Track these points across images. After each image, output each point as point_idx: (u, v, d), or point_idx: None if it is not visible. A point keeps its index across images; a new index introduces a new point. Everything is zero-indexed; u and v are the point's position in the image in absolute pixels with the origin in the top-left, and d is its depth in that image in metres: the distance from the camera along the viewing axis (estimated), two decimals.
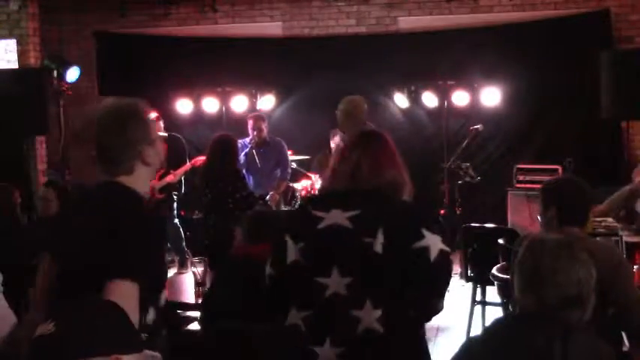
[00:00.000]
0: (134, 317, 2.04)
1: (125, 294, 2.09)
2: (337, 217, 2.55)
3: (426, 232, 2.48)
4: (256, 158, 7.03)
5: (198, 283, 4.36)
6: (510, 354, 2.09)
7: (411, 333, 2.56)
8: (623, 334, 3.18)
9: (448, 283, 2.60)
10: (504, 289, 4.65)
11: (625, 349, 3.20)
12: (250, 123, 7.14)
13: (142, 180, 2.37)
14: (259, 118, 7.20)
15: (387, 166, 2.67)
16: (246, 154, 7.08)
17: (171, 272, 5.66)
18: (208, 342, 3.82)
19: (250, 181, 7.25)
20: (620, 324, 3.11)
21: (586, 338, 2.10)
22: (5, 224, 4.41)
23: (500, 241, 5.09)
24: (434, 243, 2.48)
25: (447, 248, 2.51)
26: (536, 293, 2.12)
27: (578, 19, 8.35)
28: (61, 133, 7.76)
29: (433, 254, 2.47)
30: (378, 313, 2.45)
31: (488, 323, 3.30)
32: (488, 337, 2.24)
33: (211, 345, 3.78)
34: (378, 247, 2.46)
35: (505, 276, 4.61)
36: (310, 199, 3.03)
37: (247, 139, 7.11)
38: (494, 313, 5.19)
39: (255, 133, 7.06)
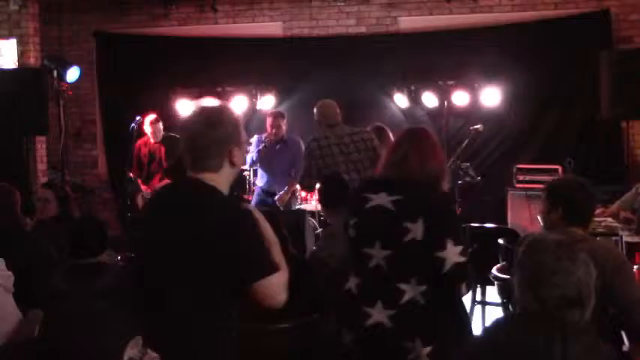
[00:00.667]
0: (282, 298, 2.40)
1: (274, 286, 2.38)
2: (383, 199, 3.02)
3: (448, 243, 2.88)
4: (270, 155, 7.04)
5: None
6: (510, 354, 2.09)
7: (450, 304, 3.02)
8: (623, 334, 3.18)
9: (464, 283, 3.00)
10: (504, 289, 4.66)
11: (625, 349, 3.20)
12: (269, 120, 7.19)
13: (226, 178, 2.47)
14: (278, 115, 7.25)
15: (431, 158, 3.09)
16: (259, 151, 7.10)
17: None
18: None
19: (264, 177, 7.27)
20: (621, 324, 3.12)
21: (586, 338, 2.10)
22: (5, 225, 4.41)
23: (500, 241, 5.09)
24: (450, 256, 2.87)
25: (462, 259, 2.89)
26: (536, 293, 2.12)
27: (578, 19, 8.35)
28: (61, 133, 7.76)
29: (447, 266, 2.88)
30: (422, 288, 2.91)
31: (488, 323, 3.30)
32: (489, 337, 2.24)
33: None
34: (418, 235, 2.90)
35: (505, 276, 4.62)
36: (363, 183, 3.53)
37: (263, 135, 7.15)
38: (495, 313, 5.19)
39: (273, 130, 7.09)
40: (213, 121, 2.44)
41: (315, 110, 5.83)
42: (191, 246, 2.31)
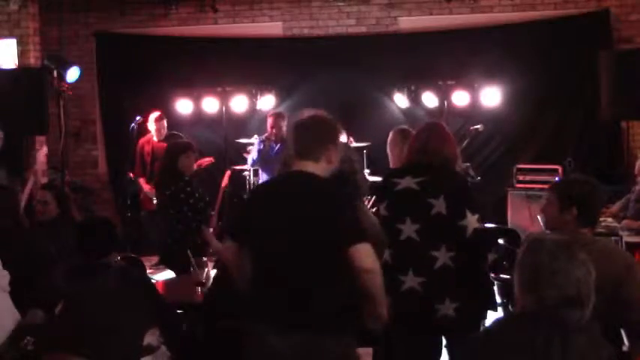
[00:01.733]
0: (372, 261, 2.94)
1: (367, 251, 2.93)
2: (409, 182, 3.63)
3: (467, 212, 3.50)
4: (271, 155, 7.05)
5: (199, 283, 4.36)
6: (510, 353, 2.09)
7: (475, 269, 3.55)
8: (623, 334, 3.18)
9: (486, 248, 3.62)
10: (504, 289, 4.66)
11: (625, 349, 3.20)
12: (270, 121, 7.22)
13: (323, 169, 3.10)
14: (279, 115, 7.27)
15: (447, 144, 3.73)
16: (259, 151, 7.11)
17: (172, 273, 5.65)
18: (208, 342, 3.82)
19: (264, 177, 7.27)
20: (620, 323, 3.12)
21: (586, 338, 2.10)
22: (8, 226, 4.41)
23: (501, 241, 5.09)
24: (471, 223, 3.50)
25: (479, 225, 3.53)
26: (536, 293, 2.12)
27: (577, 19, 8.35)
28: (61, 133, 7.76)
29: (469, 232, 3.49)
30: (451, 254, 3.48)
31: (488, 323, 3.30)
32: (489, 336, 2.24)
33: (211, 345, 3.78)
34: (443, 209, 3.51)
35: (505, 276, 4.62)
36: (391, 171, 4.03)
37: (264, 135, 7.16)
38: (494, 313, 5.19)
39: (274, 130, 7.11)
40: (316, 128, 3.12)
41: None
42: (309, 221, 2.95)
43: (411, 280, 3.55)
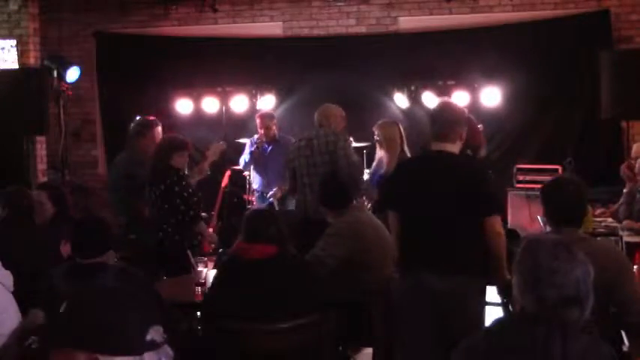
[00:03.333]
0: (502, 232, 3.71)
1: (499, 219, 3.70)
2: None
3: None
4: (263, 156, 7.02)
5: (199, 283, 4.36)
6: (510, 354, 2.09)
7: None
8: (623, 334, 3.18)
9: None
10: (504, 289, 4.65)
11: (625, 349, 3.20)
12: (258, 121, 7.15)
13: (457, 148, 3.83)
14: (266, 116, 7.21)
15: (476, 134, 4.67)
16: (251, 152, 7.08)
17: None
18: (208, 342, 3.82)
19: (258, 179, 7.24)
20: (620, 323, 3.12)
21: (586, 338, 2.10)
22: (22, 226, 4.41)
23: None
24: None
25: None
26: (535, 293, 2.12)
27: (577, 19, 8.35)
28: (61, 133, 7.76)
29: None
30: None
31: (488, 323, 3.31)
32: (489, 336, 2.24)
33: (211, 345, 3.78)
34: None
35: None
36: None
37: (255, 136, 7.13)
38: (494, 313, 5.19)
39: (262, 131, 7.06)
40: (453, 116, 3.84)
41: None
42: (454, 192, 3.65)
43: None
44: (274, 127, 7.10)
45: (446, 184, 3.69)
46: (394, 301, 4.01)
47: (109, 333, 1.56)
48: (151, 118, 7.97)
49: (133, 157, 5.95)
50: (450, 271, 3.63)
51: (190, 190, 5.43)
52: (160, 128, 7.95)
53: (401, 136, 6.19)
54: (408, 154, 6.12)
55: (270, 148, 7.08)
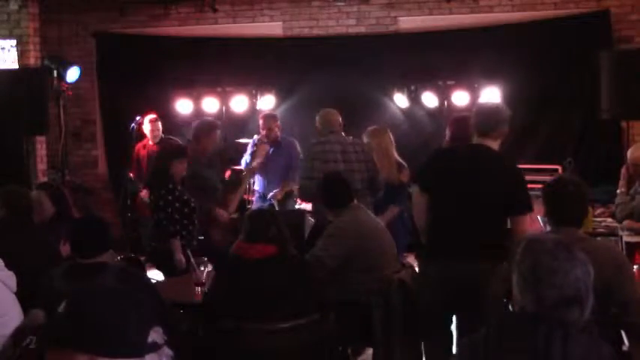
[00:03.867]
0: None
1: (526, 220, 3.99)
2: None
3: None
4: (265, 158, 7.00)
5: (199, 283, 4.36)
6: (510, 354, 2.09)
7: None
8: (623, 334, 3.18)
9: None
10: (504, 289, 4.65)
11: (625, 349, 3.20)
12: (260, 122, 7.13)
13: (497, 145, 4.07)
14: (269, 117, 7.18)
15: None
16: (252, 154, 7.05)
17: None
18: (208, 342, 3.82)
19: (259, 179, 7.23)
20: (621, 323, 3.12)
21: (585, 338, 2.10)
22: (19, 226, 4.41)
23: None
24: None
25: None
26: (535, 293, 2.12)
27: (578, 19, 8.34)
28: (61, 133, 7.76)
29: None
30: None
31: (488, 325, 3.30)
32: (488, 337, 2.24)
33: (211, 345, 3.78)
34: None
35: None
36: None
37: (256, 137, 7.10)
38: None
39: (264, 132, 7.04)
40: (499, 113, 4.09)
41: (317, 117, 5.96)
42: (489, 185, 3.92)
43: None
44: (277, 129, 7.08)
45: (488, 180, 3.93)
46: (416, 285, 4.22)
47: (110, 334, 1.55)
48: (152, 114, 7.99)
49: (199, 158, 6.09)
50: (478, 258, 3.85)
51: (184, 199, 5.48)
52: (159, 124, 7.98)
53: (391, 143, 6.17)
54: (399, 160, 6.17)
55: (271, 149, 7.06)
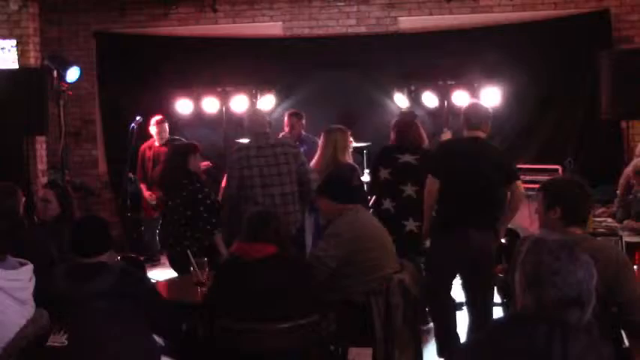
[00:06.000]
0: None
1: (520, 183, 4.99)
2: (408, 158, 5.72)
3: None
4: None
5: (199, 283, 4.36)
6: (510, 354, 2.09)
7: None
8: (623, 334, 3.18)
9: None
10: (504, 289, 4.66)
11: (625, 348, 3.20)
12: (285, 120, 7.20)
13: (487, 136, 5.11)
14: (292, 115, 7.25)
15: (420, 136, 5.99)
16: None
17: (172, 273, 5.65)
18: (208, 342, 3.82)
19: None
20: (621, 323, 3.12)
21: (586, 338, 2.10)
22: (8, 226, 4.39)
23: (502, 240, 5.09)
24: None
25: None
26: (536, 293, 2.12)
27: (577, 19, 8.35)
28: (61, 133, 7.76)
29: None
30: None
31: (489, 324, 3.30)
32: (489, 337, 2.24)
33: (211, 345, 3.78)
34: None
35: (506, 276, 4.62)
36: (389, 148, 5.90)
37: (280, 135, 7.13)
38: (495, 313, 5.19)
39: (287, 129, 7.10)
40: (485, 108, 5.19)
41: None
42: (487, 165, 4.85)
43: (410, 225, 5.60)
44: (298, 127, 7.18)
45: (484, 161, 4.87)
46: (430, 249, 5.15)
47: (107, 336, 1.56)
48: (158, 115, 7.96)
49: None
50: (484, 225, 4.84)
51: (212, 197, 5.51)
52: (166, 125, 7.97)
53: (339, 143, 6.17)
54: (350, 161, 6.27)
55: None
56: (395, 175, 5.68)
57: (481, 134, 5.00)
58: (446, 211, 4.97)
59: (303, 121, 7.28)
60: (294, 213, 5.55)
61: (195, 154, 5.60)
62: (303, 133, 7.28)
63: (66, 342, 3.10)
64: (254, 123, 5.68)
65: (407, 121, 6.11)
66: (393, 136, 5.93)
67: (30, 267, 3.35)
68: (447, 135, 7.48)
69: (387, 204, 5.67)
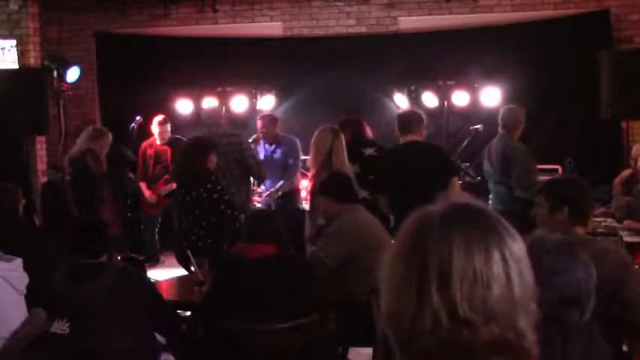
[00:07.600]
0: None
1: (456, 179, 5.57)
2: (370, 151, 6.24)
3: None
4: (266, 156, 7.02)
5: (198, 283, 4.36)
6: None
7: None
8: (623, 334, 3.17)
9: None
10: None
11: (625, 349, 3.20)
12: (259, 123, 7.18)
13: (423, 138, 5.56)
14: (265, 117, 7.22)
15: (366, 135, 6.55)
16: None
17: (172, 273, 5.65)
18: (208, 342, 3.82)
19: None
20: (621, 323, 3.11)
21: (585, 338, 2.10)
22: (8, 225, 4.39)
23: None
24: None
25: None
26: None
27: (577, 19, 8.35)
28: (61, 133, 7.76)
29: None
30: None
31: None
32: None
33: (211, 345, 3.79)
34: None
35: None
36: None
37: (252, 138, 7.12)
38: None
39: (260, 131, 7.10)
40: (418, 112, 5.69)
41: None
42: (431, 165, 5.28)
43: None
44: (274, 129, 7.12)
45: (425, 161, 5.30)
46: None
47: (107, 337, 1.56)
48: (160, 115, 7.99)
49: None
50: None
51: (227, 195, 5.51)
52: (168, 126, 8.00)
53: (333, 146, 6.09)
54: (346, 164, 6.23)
55: (271, 147, 7.09)
56: (361, 167, 6.11)
57: (416, 137, 5.44)
58: (398, 213, 5.15)
59: (276, 124, 7.23)
60: (238, 194, 6.14)
61: (215, 149, 5.59)
62: (280, 133, 7.23)
63: (68, 330, 3.12)
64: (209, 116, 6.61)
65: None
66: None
67: (20, 260, 3.40)
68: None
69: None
